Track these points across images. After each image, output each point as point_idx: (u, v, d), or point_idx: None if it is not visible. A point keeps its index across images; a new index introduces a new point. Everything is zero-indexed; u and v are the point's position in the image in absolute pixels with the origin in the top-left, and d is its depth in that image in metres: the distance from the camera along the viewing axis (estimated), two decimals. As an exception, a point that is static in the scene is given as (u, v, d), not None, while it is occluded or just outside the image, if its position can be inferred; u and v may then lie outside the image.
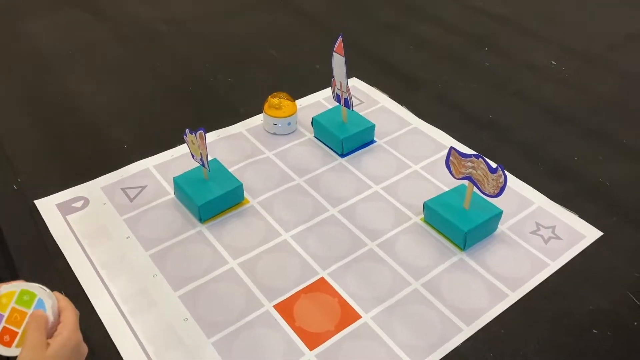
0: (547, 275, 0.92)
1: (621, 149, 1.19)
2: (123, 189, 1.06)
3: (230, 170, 1.06)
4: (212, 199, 0.98)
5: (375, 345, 0.81)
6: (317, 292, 0.88)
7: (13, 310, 0.56)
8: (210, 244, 0.96)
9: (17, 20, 1.63)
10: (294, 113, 1.18)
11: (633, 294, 0.90)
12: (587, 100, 1.34)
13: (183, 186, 1.00)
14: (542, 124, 1.26)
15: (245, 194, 1.04)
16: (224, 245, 0.96)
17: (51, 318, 0.56)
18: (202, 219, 0.99)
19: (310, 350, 0.80)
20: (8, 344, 0.55)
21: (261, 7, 1.73)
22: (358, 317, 0.85)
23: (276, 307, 0.86)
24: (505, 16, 1.67)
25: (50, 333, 0.56)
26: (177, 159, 1.13)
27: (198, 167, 1.03)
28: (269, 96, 1.18)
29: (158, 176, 1.09)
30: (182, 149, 1.16)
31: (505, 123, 1.26)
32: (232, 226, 0.99)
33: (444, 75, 1.41)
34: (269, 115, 1.17)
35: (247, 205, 1.03)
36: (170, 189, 1.06)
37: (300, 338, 0.82)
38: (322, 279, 0.90)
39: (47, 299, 0.57)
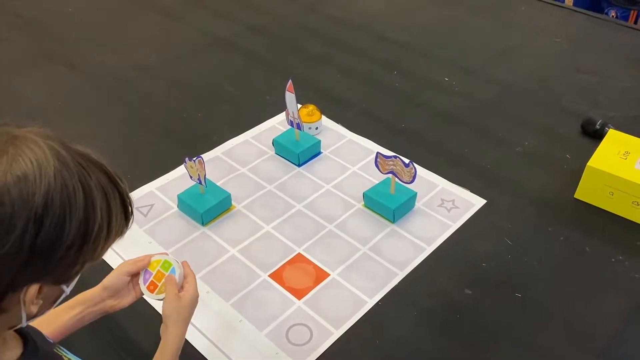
0: (451, 232, 1.33)
1: (497, 140, 1.63)
2: (137, 208, 1.39)
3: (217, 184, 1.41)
4: (210, 207, 1.33)
5: (341, 291, 1.19)
6: (297, 263, 1.25)
7: (158, 271, 0.92)
8: (214, 239, 1.31)
9: (4, 78, 1.89)
10: (319, 119, 1.60)
11: (507, 238, 1.33)
12: (472, 105, 1.78)
13: (186, 200, 1.34)
14: (440, 127, 1.68)
15: (232, 201, 1.39)
16: (224, 239, 1.31)
17: (178, 279, 0.92)
18: (204, 223, 1.34)
19: (299, 299, 1.17)
20: (152, 292, 0.92)
21: (208, 51, 2.06)
22: (327, 275, 1.23)
23: (270, 276, 1.22)
24: (407, 43, 2.11)
25: (178, 288, 0.92)
26: (172, 181, 1.47)
27: (194, 185, 1.37)
28: (301, 108, 1.58)
29: (161, 195, 1.43)
30: (174, 174, 1.49)
31: (413, 129, 1.67)
32: (227, 226, 1.34)
33: (366, 96, 1.82)
34: (305, 122, 1.56)
35: (235, 209, 1.39)
36: (172, 204, 1.40)
37: (290, 293, 1.19)
38: (299, 254, 1.27)
39: (178, 268, 0.93)
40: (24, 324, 0.61)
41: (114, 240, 0.65)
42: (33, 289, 0.58)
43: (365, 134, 1.63)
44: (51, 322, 0.85)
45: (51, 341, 0.72)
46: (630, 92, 1.80)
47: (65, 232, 0.56)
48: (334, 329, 1.12)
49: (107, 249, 0.64)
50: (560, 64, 1.97)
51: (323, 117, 1.69)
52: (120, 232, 0.65)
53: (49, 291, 0.61)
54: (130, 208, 0.66)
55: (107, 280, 0.92)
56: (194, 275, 0.96)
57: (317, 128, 1.60)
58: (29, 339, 0.64)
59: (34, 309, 0.59)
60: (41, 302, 0.60)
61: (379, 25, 2.21)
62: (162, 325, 0.90)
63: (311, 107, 1.60)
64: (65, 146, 0.59)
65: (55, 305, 0.65)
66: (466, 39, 2.14)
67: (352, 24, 2.23)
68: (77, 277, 0.64)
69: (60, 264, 0.58)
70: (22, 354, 0.62)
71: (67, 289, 0.64)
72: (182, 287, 0.93)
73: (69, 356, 0.71)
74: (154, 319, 1.06)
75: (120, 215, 0.64)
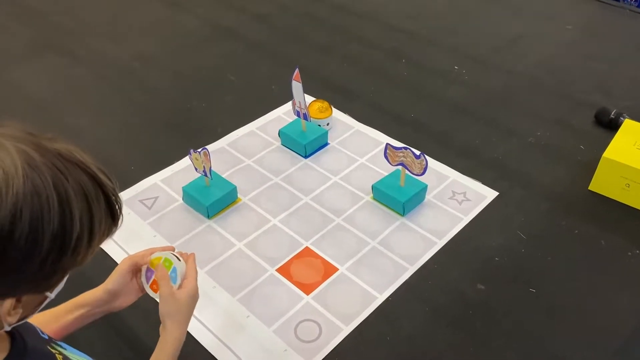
0: (462, 226, 1.30)
1: (508, 131, 1.60)
2: (140, 201, 1.36)
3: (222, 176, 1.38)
4: (216, 199, 1.30)
5: (351, 286, 1.17)
6: (305, 257, 1.22)
7: (159, 270, 0.87)
8: (219, 233, 1.28)
9: (3, 69, 1.86)
10: (331, 114, 1.55)
11: (520, 232, 1.30)
12: (481, 95, 1.74)
13: (191, 192, 1.31)
14: (450, 117, 1.65)
15: (238, 194, 1.36)
16: (229, 233, 1.28)
17: (180, 277, 0.87)
18: (209, 216, 1.31)
19: (307, 295, 1.15)
20: (155, 291, 0.87)
21: (212, 40, 2.02)
22: (336, 269, 1.20)
23: (278, 270, 1.20)
24: (414, 31, 2.06)
25: (180, 284, 0.87)
26: (177, 173, 1.44)
27: (199, 177, 1.34)
28: (313, 102, 1.53)
29: (166, 188, 1.39)
30: (178, 165, 1.46)
31: (423, 119, 1.64)
32: (233, 219, 1.31)
33: (373, 85, 1.78)
34: (316, 118, 1.51)
35: (241, 202, 1.36)
36: (177, 196, 1.37)
37: (298, 288, 1.16)
38: (307, 247, 1.24)
39: (179, 267, 0.88)
40: (7, 329, 0.58)
41: (99, 245, 0.60)
42: (8, 302, 0.55)
43: (373, 125, 1.60)
44: (52, 323, 0.82)
45: (46, 337, 0.69)
46: (644, 81, 1.76)
47: (38, 245, 0.52)
48: (344, 325, 1.09)
49: (92, 254, 0.59)
50: (572, 52, 1.93)
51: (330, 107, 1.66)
52: (107, 234, 0.60)
53: (29, 299, 0.58)
54: (118, 209, 0.60)
55: (110, 283, 0.87)
56: (196, 271, 0.91)
57: (328, 124, 1.56)
58: (16, 338, 0.61)
59: (12, 319, 0.56)
60: (21, 310, 0.57)
61: (385, 14, 2.17)
62: (161, 325, 0.86)
63: (324, 103, 1.55)
64: (40, 147, 0.54)
65: (39, 310, 0.61)
66: (475, 27, 2.09)
67: (357, 12, 2.18)
68: (63, 283, 0.60)
69: (35, 276, 0.54)
70: (8, 355, 0.58)
71: (52, 294, 0.60)
72: (183, 283, 0.89)
73: (66, 352, 0.68)
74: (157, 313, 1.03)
75: (105, 218, 0.58)
